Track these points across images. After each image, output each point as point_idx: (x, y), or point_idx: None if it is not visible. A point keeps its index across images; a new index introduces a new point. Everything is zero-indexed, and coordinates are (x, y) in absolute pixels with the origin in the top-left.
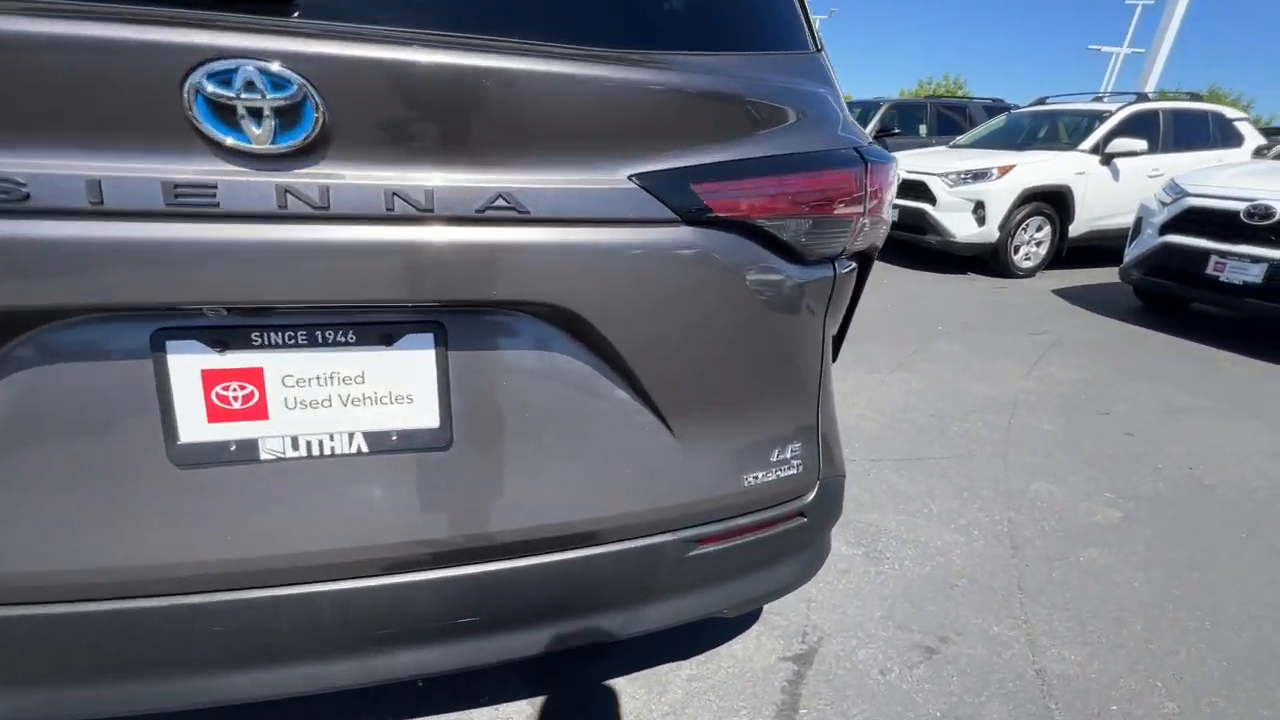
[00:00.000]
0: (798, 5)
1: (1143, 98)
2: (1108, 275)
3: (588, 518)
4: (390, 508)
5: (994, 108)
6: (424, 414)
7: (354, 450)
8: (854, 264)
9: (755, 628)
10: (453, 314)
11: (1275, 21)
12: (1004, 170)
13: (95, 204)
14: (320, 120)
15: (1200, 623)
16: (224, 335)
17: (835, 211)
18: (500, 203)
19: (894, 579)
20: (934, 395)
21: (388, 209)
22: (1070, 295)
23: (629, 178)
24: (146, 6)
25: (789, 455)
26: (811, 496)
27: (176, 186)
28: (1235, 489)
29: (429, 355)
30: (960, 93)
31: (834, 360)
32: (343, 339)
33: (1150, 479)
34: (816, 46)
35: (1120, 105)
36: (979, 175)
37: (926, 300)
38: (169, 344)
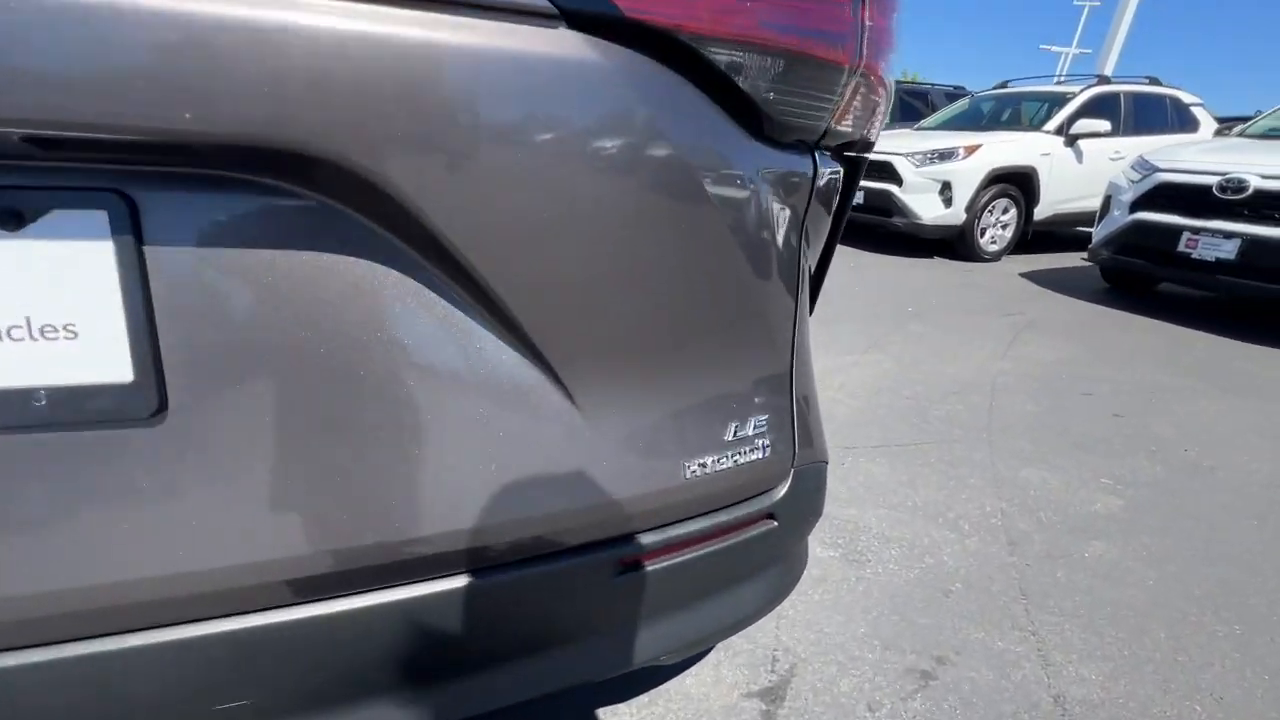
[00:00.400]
0: None
1: (1104, 80)
2: (1071, 260)
3: (423, 533)
4: (57, 533)
5: (955, 94)
6: (103, 360)
7: None
8: (838, 166)
9: (713, 655)
10: (146, 181)
11: (1215, 27)
12: (970, 150)
13: None
14: None
15: (1229, 628)
16: None
17: (816, 52)
18: None
19: (878, 586)
20: (909, 377)
21: None
22: (1038, 278)
23: None
24: None
25: (750, 433)
26: (783, 491)
27: None
28: (1235, 472)
29: (105, 251)
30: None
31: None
32: None
33: (1146, 463)
34: None
35: (1083, 87)
36: (945, 155)
37: (894, 283)
38: None
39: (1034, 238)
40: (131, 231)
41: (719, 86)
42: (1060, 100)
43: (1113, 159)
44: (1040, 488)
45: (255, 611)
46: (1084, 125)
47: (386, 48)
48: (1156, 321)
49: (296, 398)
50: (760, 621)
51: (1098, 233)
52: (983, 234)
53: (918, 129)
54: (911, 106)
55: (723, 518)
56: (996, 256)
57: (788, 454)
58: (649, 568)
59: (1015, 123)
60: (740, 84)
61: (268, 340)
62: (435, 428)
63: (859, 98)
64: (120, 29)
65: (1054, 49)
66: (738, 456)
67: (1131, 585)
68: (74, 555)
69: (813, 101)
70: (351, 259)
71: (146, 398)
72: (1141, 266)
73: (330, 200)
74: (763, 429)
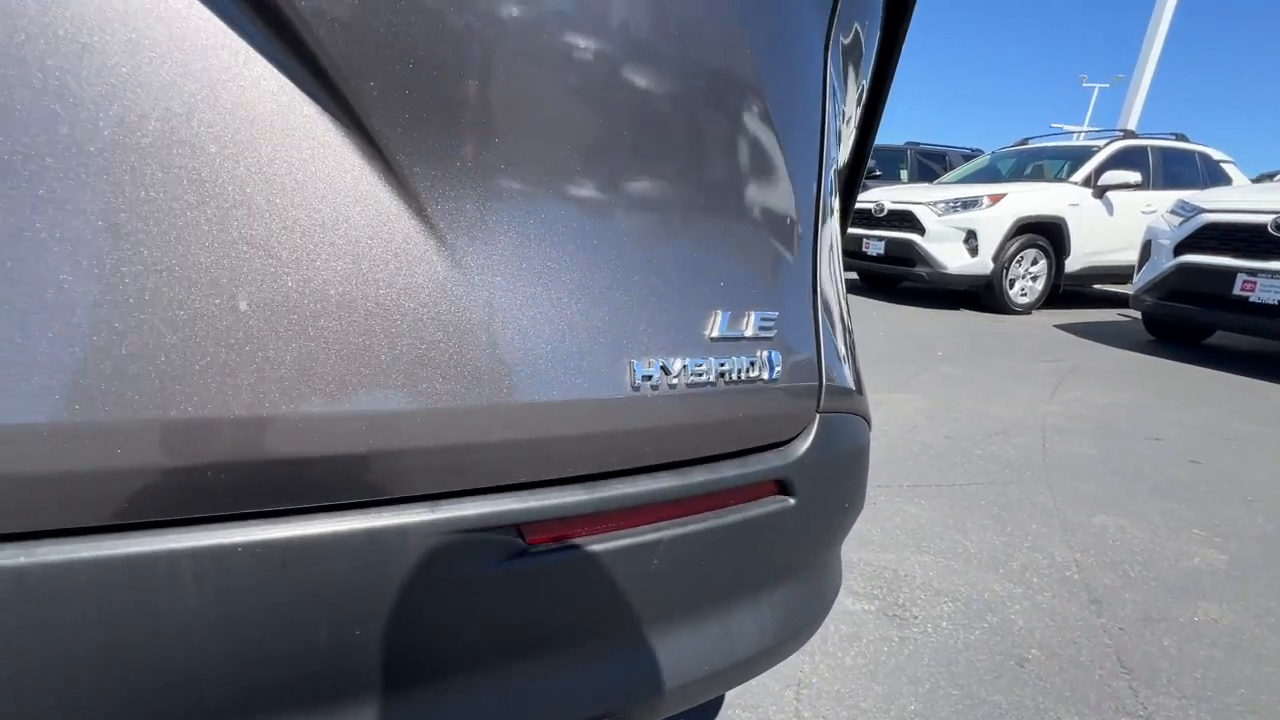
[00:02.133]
0: None
1: (1130, 134)
2: (1108, 315)
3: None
4: None
5: (973, 156)
6: None
7: None
8: None
9: None
10: None
11: (1233, 94)
12: (995, 199)
13: None
14: None
15: None
16: None
17: None
18: None
19: (929, 650)
20: (945, 417)
21: None
22: (1075, 329)
23: None
24: None
25: (748, 334)
26: (804, 446)
27: None
28: None
29: None
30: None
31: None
32: None
33: (1244, 513)
34: None
35: (1108, 140)
36: (969, 204)
37: (920, 329)
38: None
39: (1065, 294)
40: None
41: None
42: (1084, 155)
43: (1145, 212)
44: (1120, 537)
45: None
46: (1113, 176)
47: None
48: (1213, 370)
49: None
50: (770, 689)
51: (1139, 279)
52: (1012, 285)
53: (937, 183)
54: (928, 168)
55: (699, 476)
56: (1027, 309)
57: (810, 386)
58: (566, 552)
59: (1038, 178)
60: None
61: None
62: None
63: None
64: None
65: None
66: (725, 368)
67: (1266, 660)
68: None
69: None
70: None
71: None
72: (1192, 312)
73: None
74: (768, 332)
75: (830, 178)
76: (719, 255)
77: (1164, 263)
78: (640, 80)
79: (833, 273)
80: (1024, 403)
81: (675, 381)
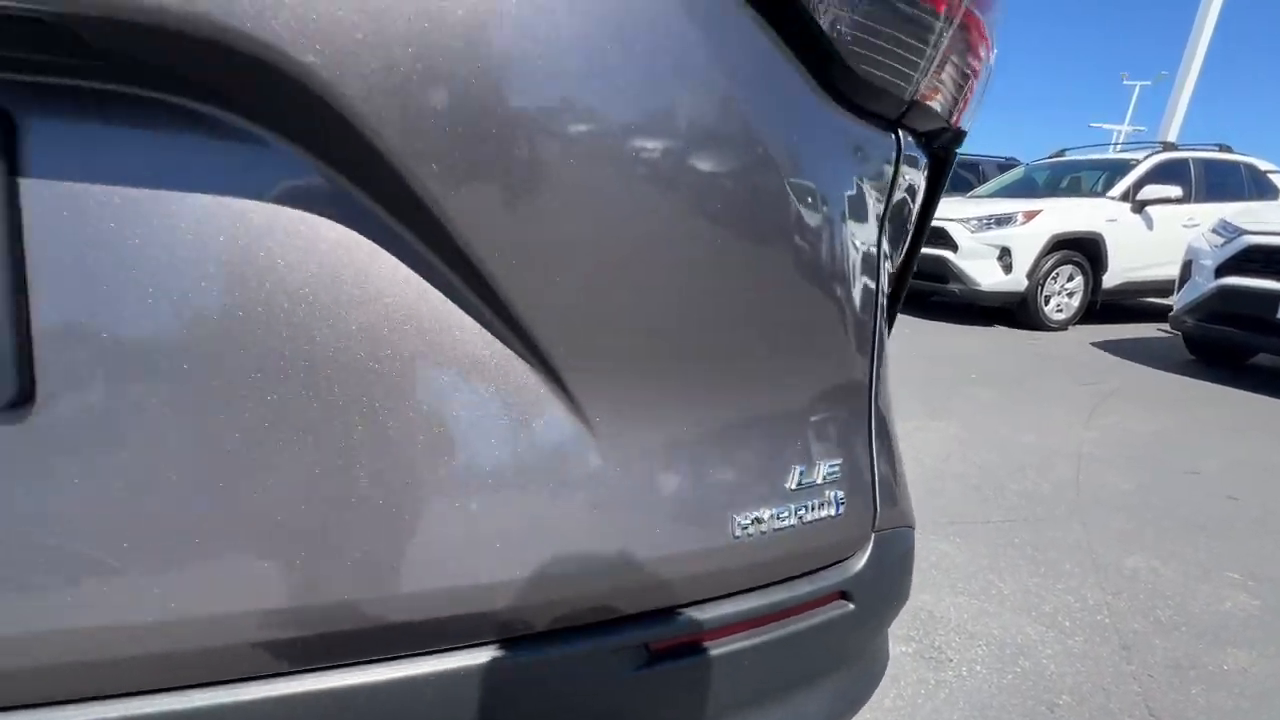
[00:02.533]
0: None
1: (1170, 147)
2: (1147, 330)
3: (372, 595)
4: None
5: (1008, 165)
6: None
7: None
8: (923, 155)
9: None
10: (31, 94)
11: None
12: (1029, 215)
13: None
14: None
15: None
16: None
17: None
18: None
19: (964, 694)
20: (979, 445)
21: None
22: (1113, 348)
23: None
24: None
25: (819, 481)
26: (861, 562)
27: None
28: None
29: None
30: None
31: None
32: None
33: None
34: None
35: (1148, 153)
36: (1003, 220)
37: (953, 349)
38: None
39: (1103, 307)
40: (7, 157)
41: (783, 13)
42: (1121, 168)
43: (1187, 225)
44: (1151, 579)
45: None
46: (1152, 191)
47: None
48: (1257, 395)
49: (225, 390)
50: None
51: (1179, 300)
52: (1047, 301)
53: (970, 197)
54: (962, 178)
55: (781, 595)
56: (1063, 325)
57: (867, 513)
58: (681, 660)
59: (1074, 191)
60: (816, 18)
61: (189, 308)
62: (407, 454)
63: (951, 61)
64: None
65: (1105, 126)
66: (802, 512)
67: None
68: None
69: (898, 53)
70: (315, 218)
71: (11, 382)
72: (1234, 335)
73: (284, 137)
74: (834, 477)
75: (884, 346)
76: (796, 421)
77: (1205, 284)
78: (757, 281)
79: (886, 404)
80: (1059, 430)
81: (765, 528)
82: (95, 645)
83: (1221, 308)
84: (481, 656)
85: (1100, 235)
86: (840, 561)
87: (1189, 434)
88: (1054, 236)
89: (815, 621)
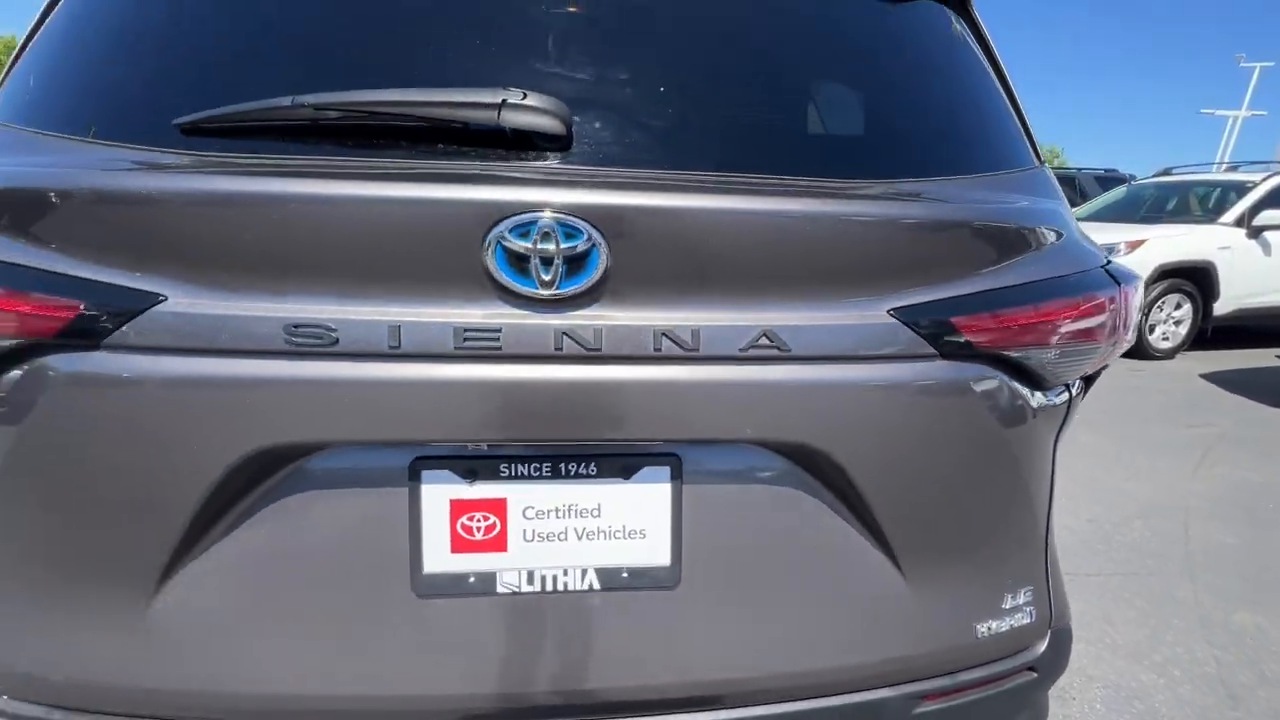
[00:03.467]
0: (1019, 119)
1: None
2: (1263, 358)
3: (813, 667)
4: (614, 649)
5: (1108, 179)
6: (655, 551)
7: (585, 587)
8: (1084, 383)
9: None
10: (690, 446)
11: None
12: (1133, 245)
13: (393, 348)
14: (604, 266)
15: None
16: (475, 465)
17: (1088, 337)
18: (763, 341)
19: None
20: (1086, 497)
21: (655, 349)
22: (1223, 380)
23: (888, 312)
24: (451, 161)
25: (1021, 601)
26: (1043, 648)
27: (466, 331)
28: None
29: (664, 489)
30: (1056, 162)
31: None
32: (584, 471)
33: None
34: (1039, 159)
35: (1266, 175)
36: (1106, 251)
37: None
38: (424, 473)
39: (1214, 333)
40: (679, 476)
41: (1018, 369)
42: (1236, 189)
43: None
44: (1257, 636)
45: (712, 710)
46: (1271, 216)
47: (848, 382)
48: None
49: (755, 575)
50: None
51: None
52: (1152, 330)
53: None
54: None
55: (998, 667)
56: (1169, 354)
57: (1046, 616)
58: (942, 705)
59: (1182, 213)
60: (1032, 366)
61: (741, 539)
62: (829, 596)
63: (1109, 353)
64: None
65: (1219, 113)
66: (1012, 620)
67: None
68: (629, 664)
69: (1079, 363)
70: (798, 493)
71: (673, 574)
72: None
73: (792, 461)
74: (1029, 598)
75: (1053, 504)
76: (1010, 565)
77: None
78: (996, 494)
79: (1053, 556)
80: (1166, 480)
81: (992, 629)
82: None
83: None
84: (856, 697)
85: (1211, 263)
86: (1030, 648)
87: None
88: (1160, 267)
89: (1015, 684)
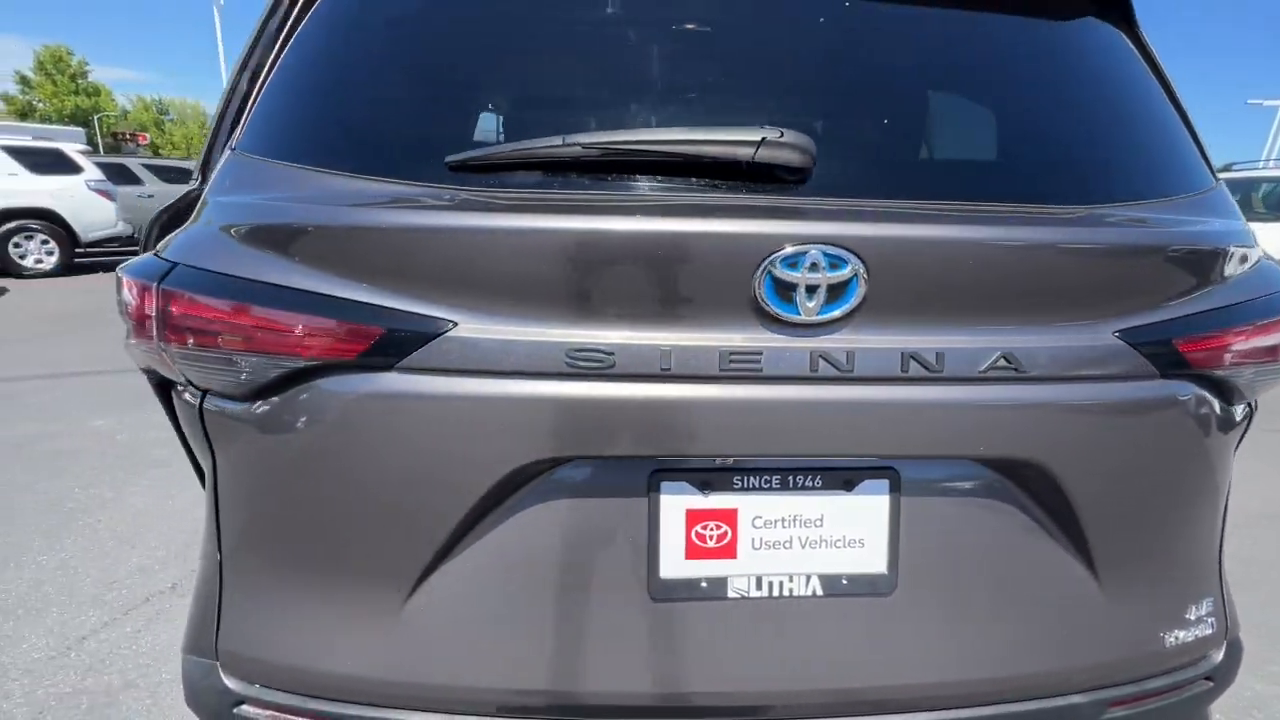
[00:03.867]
0: (1195, 138)
1: None
2: None
3: (1014, 672)
4: (832, 652)
5: None
6: (873, 559)
7: (809, 592)
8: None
9: None
10: (909, 460)
11: None
12: None
13: (664, 370)
14: (861, 293)
15: None
16: (710, 477)
17: None
18: (1001, 362)
19: None
20: None
21: (902, 370)
22: None
23: (1114, 334)
24: (709, 195)
25: (1204, 611)
26: (1220, 658)
27: (731, 354)
28: None
29: (883, 501)
30: None
31: None
32: (810, 483)
33: None
34: (1215, 178)
35: None
36: None
37: None
38: (663, 484)
39: None
40: (898, 489)
41: (1223, 386)
42: None
43: None
44: None
45: (920, 712)
46: None
47: (1072, 402)
48: None
49: (965, 583)
50: None
51: None
52: None
53: None
54: None
55: (1180, 676)
56: None
57: (1224, 628)
58: (1127, 711)
59: (1245, 211)
60: (1236, 383)
61: (954, 549)
62: (1032, 605)
63: None
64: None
65: (1267, 103)
66: (1196, 630)
67: None
68: (844, 666)
69: (1272, 379)
70: (1010, 507)
71: (889, 582)
72: None
73: (1007, 477)
74: (1210, 607)
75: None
76: (1194, 581)
77: None
78: (1190, 508)
79: (1223, 570)
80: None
81: (1178, 640)
82: None
83: None
84: (1050, 702)
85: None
86: (1208, 657)
87: None
88: None
89: (1192, 693)
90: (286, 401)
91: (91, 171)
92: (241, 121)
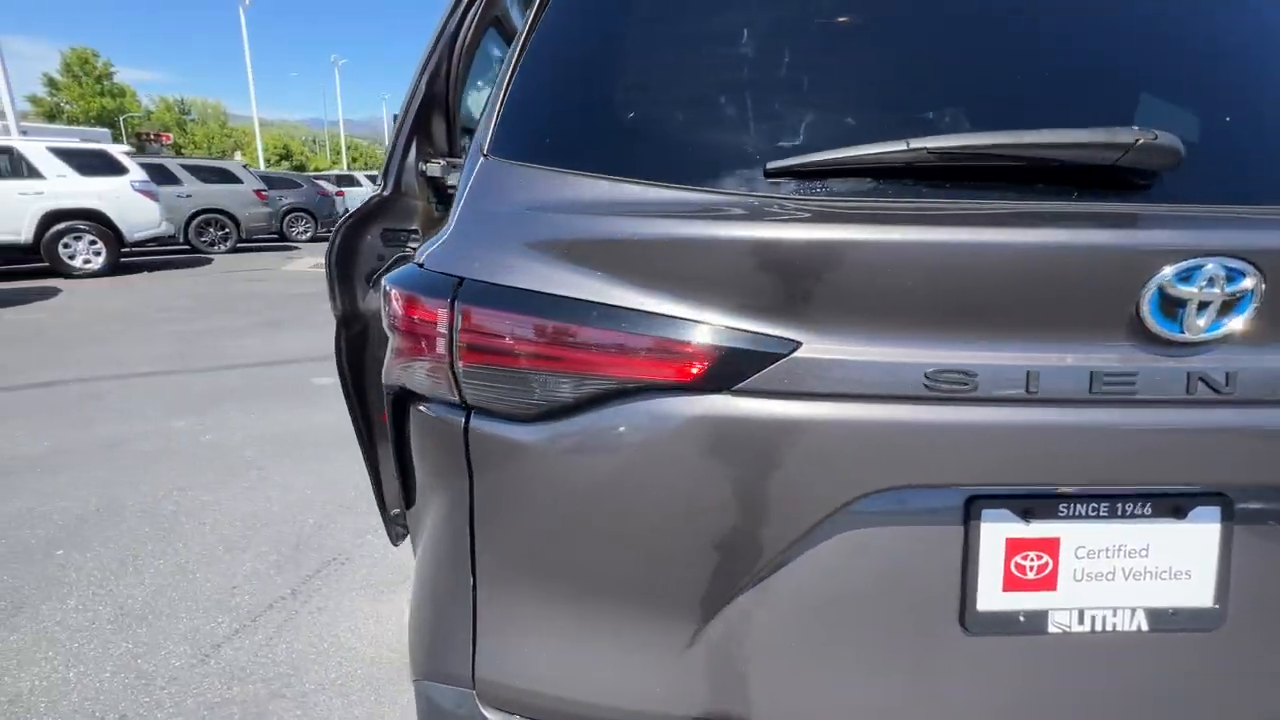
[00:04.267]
0: None
1: None
2: None
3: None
4: (1157, 690)
5: None
6: (1200, 591)
7: (1134, 628)
8: None
9: None
10: (1242, 488)
11: None
12: None
13: (1031, 392)
14: (1254, 308)
15: None
16: (1033, 505)
17: None
18: None
19: None
20: None
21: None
22: None
23: None
24: (1067, 203)
25: None
26: None
27: (1105, 375)
28: None
29: (1214, 530)
30: None
31: None
32: (1138, 511)
33: None
34: None
35: None
36: None
37: None
38: (984, 512)
39: None
40: (1230, 518)
41: None
42: None
43: None
44: None
45: None
46: None
47: None
48: None
49: None
50: None
51: None
52: None
53: None
54: None
55: None
56: None
57: None
58: None
59: None
60: None
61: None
62: None
63: None
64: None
65: None
66: None
67: None
68: (1168, 707)
69: None
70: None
71: (1216, 616)
72: None
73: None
74: None
75: None
76: None
77: None
78: None
79: None
80: None
81: None
82: None
83: None
84: None
85: None
86: None
87: None
88: None
89: None
90: (588, 423)
91: (136, 172)
92: (483, 124)
